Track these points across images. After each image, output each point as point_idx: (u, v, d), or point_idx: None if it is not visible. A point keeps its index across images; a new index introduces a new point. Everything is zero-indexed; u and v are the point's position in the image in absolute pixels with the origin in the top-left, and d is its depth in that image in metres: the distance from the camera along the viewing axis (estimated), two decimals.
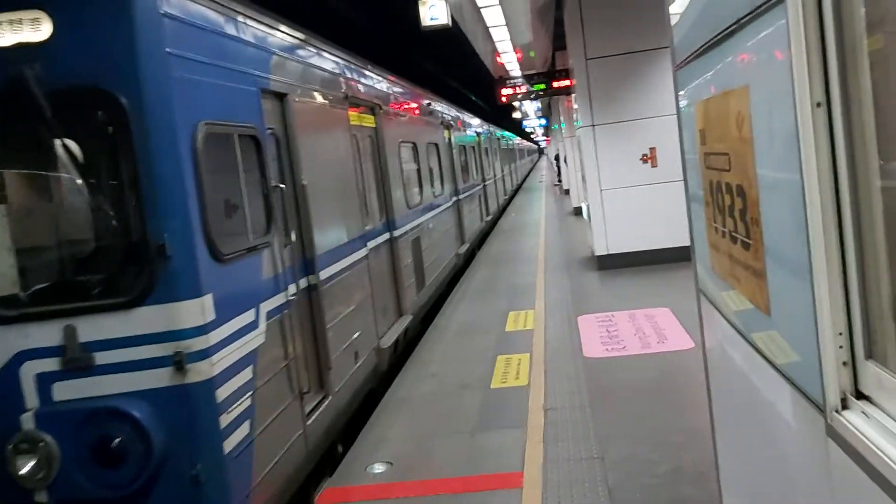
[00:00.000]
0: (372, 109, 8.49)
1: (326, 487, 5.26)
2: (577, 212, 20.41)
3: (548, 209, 25.65)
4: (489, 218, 20.01)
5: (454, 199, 14.36)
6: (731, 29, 2.20)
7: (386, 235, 8.47)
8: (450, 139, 14.97)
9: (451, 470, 5.31)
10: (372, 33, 22.68)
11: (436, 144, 13.03)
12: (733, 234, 2.48)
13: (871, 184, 1.61)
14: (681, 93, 3.27)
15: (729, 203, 2.49)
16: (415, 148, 10.87)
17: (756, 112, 2.09)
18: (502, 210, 25.80)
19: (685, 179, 3.41)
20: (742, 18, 2.08)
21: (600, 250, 11.91)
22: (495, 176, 24.12)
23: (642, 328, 8.24)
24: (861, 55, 1.60)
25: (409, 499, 4.97)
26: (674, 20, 3.25)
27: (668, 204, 10.75)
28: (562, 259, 13.95)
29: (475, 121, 21.43)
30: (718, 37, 2.36)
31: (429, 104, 13.04)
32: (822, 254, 1.69)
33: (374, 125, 8.52)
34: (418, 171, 11.00)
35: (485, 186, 19.60)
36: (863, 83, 1.61)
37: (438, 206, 12.35)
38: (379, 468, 5.45)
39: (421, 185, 11.09)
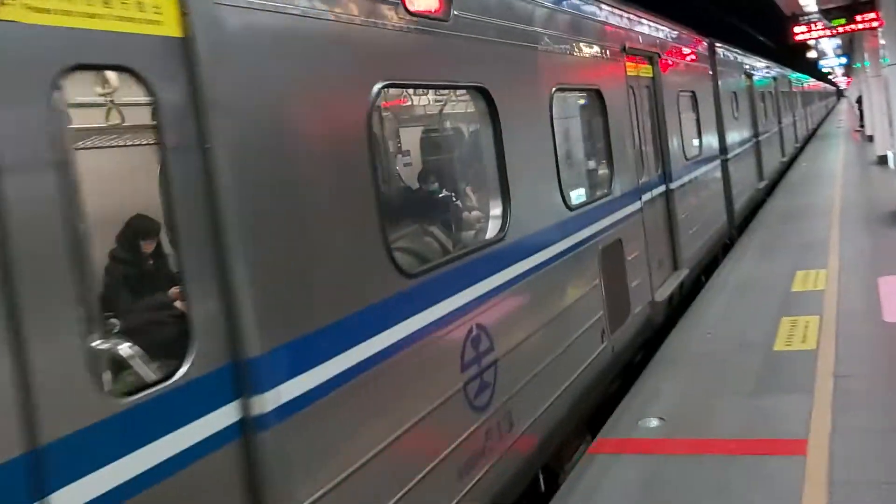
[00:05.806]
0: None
1: (600, 437, 5.42)
2: (882, 160, 18.25)
3: (846, 158, 23.16)
4: (764, 183, 17.23)
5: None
6: None
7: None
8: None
9: (727, 431, 5.19)
10: None
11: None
12: None
13: None
14: None
15: None
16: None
17: None
18: (788, 164, 23.02)
19: None
20: None
21: None
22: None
23: None
24: None
25: (682, 456, 4.95)
26: None
27: None
28: (861, 213, 12.63)
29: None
30: None
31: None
32: None
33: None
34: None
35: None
36: None
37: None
38: (652, 422, 5.48)
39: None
